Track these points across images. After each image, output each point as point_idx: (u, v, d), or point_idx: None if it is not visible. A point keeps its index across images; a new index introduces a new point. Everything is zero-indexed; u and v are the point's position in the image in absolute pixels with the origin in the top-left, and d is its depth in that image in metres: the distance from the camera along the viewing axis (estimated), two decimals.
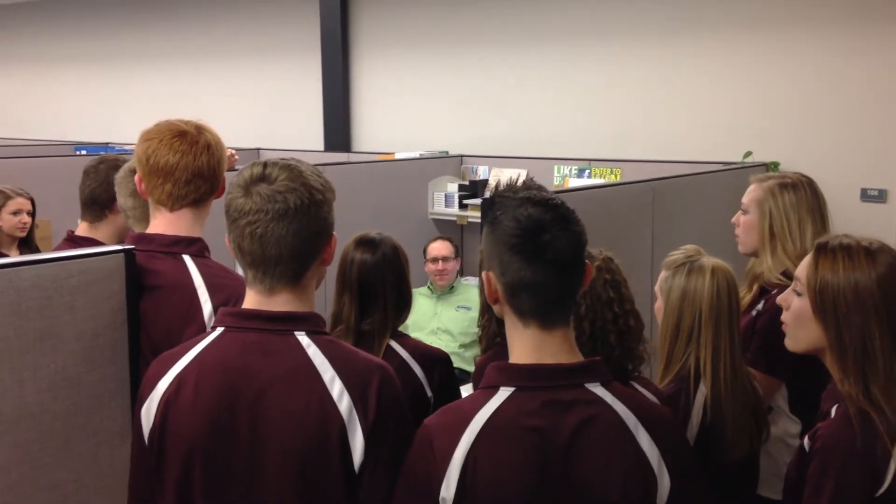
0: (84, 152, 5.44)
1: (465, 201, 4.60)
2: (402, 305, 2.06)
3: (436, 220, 4.71)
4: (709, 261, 1.78)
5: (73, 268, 1.55)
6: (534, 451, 1.17)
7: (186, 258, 1.69)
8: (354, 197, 3.84)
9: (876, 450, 1.33)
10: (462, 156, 5.09)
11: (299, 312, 1.32)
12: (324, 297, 2.18)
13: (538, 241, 1.19)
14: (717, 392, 1.72)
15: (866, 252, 1.41)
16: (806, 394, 1.84)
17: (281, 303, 1.31)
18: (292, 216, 1.28)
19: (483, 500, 1.16)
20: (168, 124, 1.73)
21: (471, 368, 3.67)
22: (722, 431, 1.71)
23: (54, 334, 1.52)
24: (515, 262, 1.20)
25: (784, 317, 1.55)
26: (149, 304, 1.65)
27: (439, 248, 4.06)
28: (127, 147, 5.70)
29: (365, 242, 2.04)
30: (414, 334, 2.20)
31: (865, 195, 3.94)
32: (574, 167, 4.53)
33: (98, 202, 2.27)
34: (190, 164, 1.68)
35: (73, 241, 2.27)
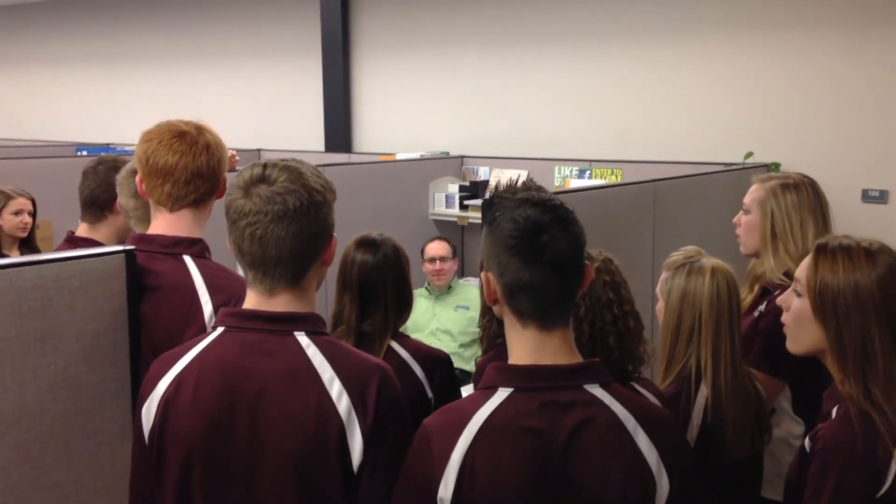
0: (85, 153, 5.44)
1: (465, 202, 4.60)
2: (403, 306, 2.06)
3: (436, 221, 4.71)
4: (709, 261, 1.78)
5: (74, 268, 1.55)
6: (532, 451, 1.17)
7: (187, 259, 1.69)
8: (355, 198, 3.84)
9: (877, 451, 1.33)
10: (463, 156, 5.10)
11: (299, 313, 1.32)
12: (324, 297, 2.18)
13: (536, 242, 1.19)
14: (717, 392, 1.72)
15: (866, 253, 1.41)
16: (809, 395, 1.84)
17: (281, 303, 1.31)
18: (292, 217, 1.28)
19: (480, 501, 1.16)
20: (168, 125, 1.73)
21: (471, 368, 3.67)
22: (723, 432, 1.71)
23: (55, 335, 1.52)
24: (514, 263, 1.20)
25: (784, 318, 1.55)
26: (149, 305, 1.65)
27: (436, 248, 4.06)
28: (128, 148, 5.71)
29: (366, 243, 2.04)
30: (413, 335, 2.19)
31: (866, 196, 3.94)
32: (575, 168, 4.53)
33: (97, 203, 2.27)
34: (189, 164, 1.68)
35: (72, 241, 2.28)
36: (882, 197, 3.91)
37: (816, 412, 1.53)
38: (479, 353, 1.97)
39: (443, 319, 3.98)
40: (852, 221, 3.41)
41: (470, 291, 4.14)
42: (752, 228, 2.13)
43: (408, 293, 2.07)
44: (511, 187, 1.27)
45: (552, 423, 1.18)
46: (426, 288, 4.06)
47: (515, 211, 1.21)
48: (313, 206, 1.30)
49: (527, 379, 1.22)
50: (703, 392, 1.74)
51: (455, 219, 4.63)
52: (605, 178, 4.38)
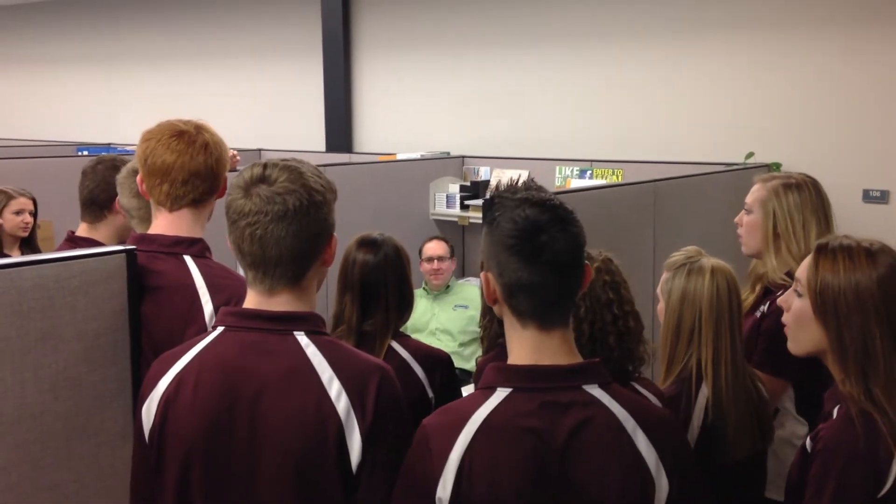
0: (86, 153, 5.44)
1: (466, 202, 4.60)
2: (404, 306, 2.06)
3: (437, 221, 4.71)
4: (709, 261, 1.78)
5: (75, 268, 1.55)
6: (530, 451, 1.17)
7: (187, 259, 1.69)
8: (356, 198, 3.84)
9: (878, 451, 1.33)
10: (463, 157, 5.10)
11: (299, 312, 1.32)
12: (325, 297, 2.18)
13: (535, 241, 1.19)
14: (718, 392, 1.72)
15: (867, 253, 1.41)
16: (813, 395, 1.84)
17: (281, 303, 1.32)
18: (291, 217, 1.28)
19: (479, 501, 1.16)
20: (168, 124, 1.73)
21: (471, 368, 3.67)
22: (723, 432, 1.70)
23: (56, 334, 1.52)
24: (513, 262, 1.20)
25: (785, 318, 1.55)
26: (150, 305, 1.65)
27: (434, 247, 4.06)
28: (128, 148, 5.71)
29: (367, 243, 2.04)
30: (413, 336, 2.19)
31: (867, 196, 3.93)
32: (575, 168, 4.53)
33: (97, 202, 2.27)
34: (187, 163, 1.68)
35: (73, 241, 2.28)
36: (883, 197, 3.91)
37: (819, 412, 1.53)
38: (480, 353, 1.97)
39: (442, 319, 3.98)
40: (853, 221, 3.40)
41: (468, 290, 4.14)
42: (754, 228, 2.12)
43: (409, 293, 2.07)
44: (511, 187, 1.27)
45: (551, 423, 1.18)
46: (424, 288, 4.06)
47: (515, 211, 1.21)
48: (313, 206, 1.30)
49: (526, 379, 1.22)
50: (704, 392, 1.73)
51: (456, 219, 4.63)
52: (605, 178, 4.37)
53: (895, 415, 1.34)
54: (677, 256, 1.83)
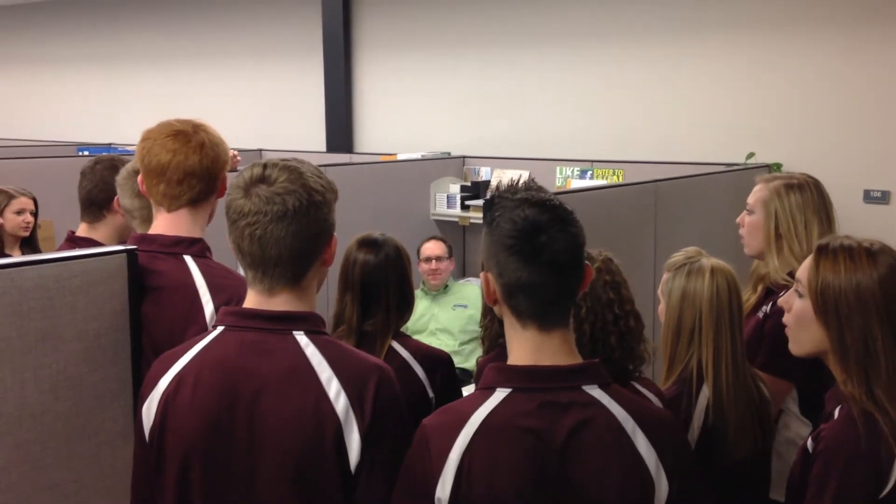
0: (86, 153, 5.44)
1: (467, 202, 4.60)
2: (405, 306, 2.06)
3: (438, 221, 4.71)
4: (708, 261, 1.78)
5: (76, 268, 1.55)
6: (530, 452, 1.17)
7: (188, 259, 1.69)
8: (356, 198, 3.84)
9: (880, 451, 1.32)
10: (464, 157, 5.10)
11: (298, 312, 1.32)
12: (326, 297, 2.18)
13: (534, 242, 1.19)
14: (718, 392, 1.72)
15: (867, 253, 1.41)
16: (816, 396, 1.83)
17: (281, 303, 1.32)
18: (291, 218, 1.28)
19: (478, 501, 1.16)
20: (166, 124, 1.73)
21: (471, 367, 3.67)
22: (724, 432, 1.70)
23: (56, 334, 1.52)
24: (512, 262, 1.20)
25: (786, 319, 1.55)
26: (151, 305, 1.65)
27: (432, 247, 4.07)
28: (129, 148, 5.71)
29: (367, 243, 2.04)
30: (413, 337, 2.19)
31: (868, 196, 3.93)
32: (576, 168, 4.53)
33: (95, 202, 2.27)
34: (181, 163, 1.68)
35: (73, 241, 2.28)
36: (884, 197, 3.91)
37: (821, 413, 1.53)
38: (480, 352, 1.97)
39: (441, 319, 3.98)
40: (854, 222, 3.40)
41: (467, 290, 4.14)
42: (756, 229, 2.11)
43: (409, 293, 2.07)
44: (511, 187, 1.27)
45: (551, 423, 1.18)
46: (422, 289, 4.06)
47: (514, 211, 1.21)
48: (313, 206, 1.30)
49: (526, 379, 1.21)
50: (705, 393, 1.73)
51: (456, 219, 4.63)
52: (606, 179, 4.37)
53: None
54: (677, 257, 1.83)
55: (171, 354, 1.36)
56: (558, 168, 4.59)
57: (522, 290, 1.20)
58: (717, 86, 4.35)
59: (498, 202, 1.25)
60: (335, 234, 1.38)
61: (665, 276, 1.83)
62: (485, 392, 1.23)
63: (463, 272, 4.86)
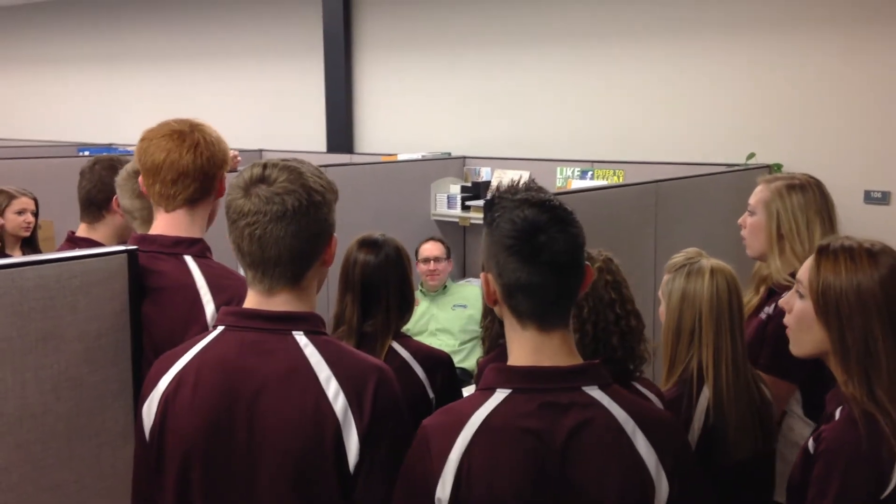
0: (87, 153, 5.44)
1: (467, 203, 4.60)
2: (405, 307, 2.06)
3: (438, 222, 4.71)
4: (708, 262, 1.78)
5: (76, 268, 1.55)
6: (530, 452, 1.17)
7: (188, 259, 1.69)
8: (357, 198, 3.85)
9: (881, 452, 1.32)
10: (465, 157, 5.10)
11: (298, 312, 1.32)
12: (326, 297, 2.18)
13: (534, 242, 1.19)
14: (719, 392, 1.72)
15: (868, 254, 1.41)
16: (818, 397, 1.83)
17: (280, 303, 1.32)
18: (290, 218, 1.28)
19: (478, 501, 1.16)
20: (164, 124, 1.73)
21: (471, 367, 3.67)
22: (724, 433, 1.70)
23: (57, 335, 1.52)
24: (512, 263, 1.20)
25: (786, 320, 1.55)
26: (151, 306, 1.65)
27: (431, 248, 4.07)
28: (129, 148, 5.71)
29: (368, 244, 2.04)
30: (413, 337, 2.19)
31: (869, 197, 3.93)
32: (577, 169, 4.53)
33: (94, 203, 2.27)
34: (175, 162, 1.68)
35: (72, 241, 2.28)
36: (884, 198, 3.91)
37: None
38: (480, 351, 1.97)
39: (441, 319, 3.98)
40: (854, 222, 3.40)
41: (467, 290, 4.15)
42: (758, 230, 2.11)
43: (410, 294, 2.07)
44: (512, 188, 1.27)
45: (551, 424, 1.18)
46: (421, 290, 4.06)
47: (514, 211, 1.21)
48: (312, 207, 1.30)
49: (525, 380, 1.21)
50: (706, 394, 1.73)
51: (457, 219, 4.64)
52: (606, 179, 4.37)
53: None
54: (677, 258, 1.83)
55: (171, 354, 1.36)
56: (559, 168, 4.59)
57: (522, 290, 1.20)
58: (718, 86, 4.35)
59: (498, 202, 1.25)
60: (335, 234, 1.38)
61: (665, 277, 1.83)
62: (485, 393, 1.23)
63: (463, 273, 4.86)
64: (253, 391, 1.26)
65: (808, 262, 1.48)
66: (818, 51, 4.04)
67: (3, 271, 1.46)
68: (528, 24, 5.03)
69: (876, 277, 1.39)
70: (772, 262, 2.08)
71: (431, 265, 4.03)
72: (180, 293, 1.64)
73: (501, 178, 4.73)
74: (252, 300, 1.34)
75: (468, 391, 2.19)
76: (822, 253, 1.45)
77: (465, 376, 3.53)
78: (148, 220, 1.88)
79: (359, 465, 1.24)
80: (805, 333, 1.48)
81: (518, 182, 1.29)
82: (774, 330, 1.97)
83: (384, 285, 2.00)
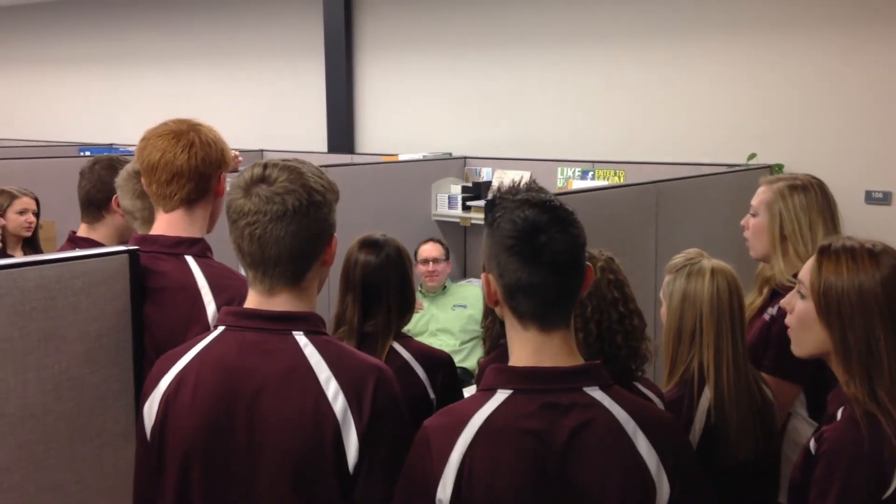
0: (88, 153, 5.45)
1: (468, 203, 4.60)
2: (406, 307, 2.06)
3: (439, 222, 4.71)
4: (709, 262, 1.78)
5: (78, 269, 1.55)
6: (531, 453, 1.17)
7: (189, 259, 1.69)
8: (358, 198, 3.85)
9: (883, 452, 1.32)
10: (465, 157, 5.10)
11: (298, 312, 1.32)
12: (327, 298, 2.18)
13: (534, 242, 1.19)
14: (720, 393, 1.72)
15: (870, 254, 1.41)
16: (821, 398, 1.83)
17: (280, 303, 1.32)
18: (290, 217, 1.28)
19: (479, 502, 1.16)
20: (163, 124, 1.74)
21: (472, 366, 3.67)
22: (725, 433, 1.70)
23: (58, 335, 1.52)
24: (512, 263, 1.20)
25: (788, 320, 1.55)
26: (153, 306, 1.65)
27: (430, 249, 4.07)
28: (130, 148, 5.71)
29: (369, 244, 2.04)
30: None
31: (870, 197, 3.93)
32: (577, 169, 4.53)
33: (94, 203, 2.27)
34: (170, 162, 1.68)
35: (73, 241, 2.28)
36: (885, 198, 3.90)
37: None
38: (481, 351, 1.97)
39: (441, 319, 3.98)
40: (855, 223, 3.39)
41: (466, 290, 4.15)
42: (761, 231, 2.10)
43: (410, 294, 2.07)
44: (513, 189, 1.27)
45: (551, 424, 1.18)
46: (420, 291, 4.06)
47: (515, 212, 1.21)
48: (313, 207, 1.30)
49: (526, 381, 1.21)
50: (707, 395, 1.73)
51: (458, 220, 4.64)
52: (607, 180, 4.37)
53: None
54: (678, 259, 1.83)
55: (172, 354, 1.37)
56: (559, 169, 4.59)
57: (523, 290, 1.20)
58: (718, 86, 4.35)
59: (499, 203, 1.25)
60: (336, 234, 1.38)
61: (666, 278, 1.83)
62: (486, 393, 1.23)
63: (464, 273, 4.86)
64: (253, 391, 1.26)
65: (810, 263, 1.48)
66: (819, 51, 4.04)
67: (4, 271, 1.46)
68: (528, 25, 5.03)
69: (877, 278, 1.39)
70: (775, 264, 2.07)
71: (430, 266, 4.03)
72: (181, 293, 1.64)
73: (502, 178, 4.73)
74: (252, 300, 1.34)
75: (469, 391, 2.19)
76: (824, 253, 1.45)
77: (466, 376, 3.53)
78: (149, 221, 1.89)
79: (358, 465, 1.24)
80: (806, 334, 1.48)
81: (519, 183, 1.29)
82: (778, 332, 1.97)
83: (385, 286, 2.00)
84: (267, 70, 6.38)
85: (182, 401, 1.29)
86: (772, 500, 1.83)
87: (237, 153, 3.22)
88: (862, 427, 1.34)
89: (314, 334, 1.31)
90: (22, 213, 3.34)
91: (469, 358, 3.84)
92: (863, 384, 1.37)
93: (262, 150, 5.87)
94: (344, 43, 5.75)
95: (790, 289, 1.96)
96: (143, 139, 1.73)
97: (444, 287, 4.11)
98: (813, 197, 2.07)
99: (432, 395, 1.99)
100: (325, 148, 5.92)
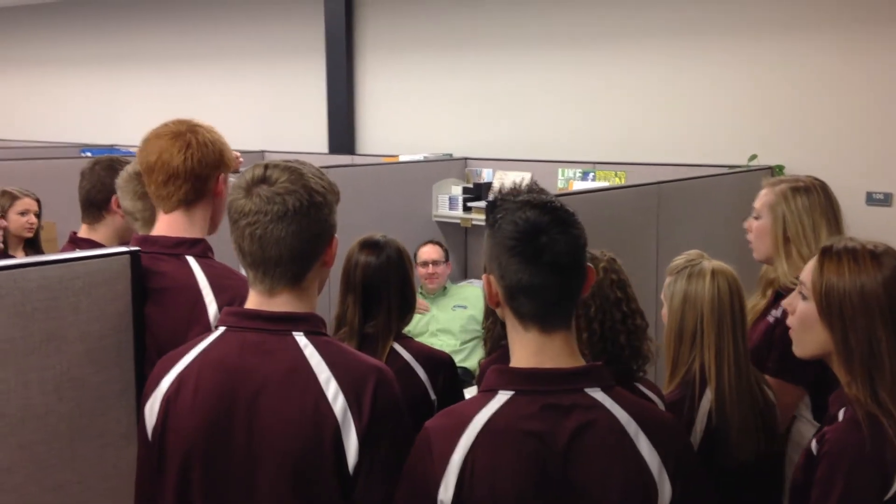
0: (89, 154, 5.45)
1: (469, 204, 4.60)
2: (406, 308, 2.06)
3: (440, 223, 4.72)
4: (709, 264, 1.78)
5: (79, 269, 1.55)
6: (532, 454, 1.17)
7: (190, 259, 1.69)
8: (358, 199, 3.85)
9: (885, 454, 1.32)
10: (466, 158, 5.10)
11: (298, 313, 1.33)
12: (328, 298, 2.18)
13: (535, 243, 1.19)
14: (721, 394, 1.72)
15: (871, 255, 1.41)
16: (824, 400, 1.83)
17: (281, 303, 1.32)
18: (291, 218, 1.28)
19: (480, 503, 1.16)
20: (164, 125, 1.74)
21: (473, 366, 3.68)
22: (727, 434, 1.70)
23: (60, 336, 1.53)
24: (514, 264, 1.20)
25: (789, 321, 1.55)
26: (154, 306, 1.65)
27: (429, 251, 4.07)
28: (132, 149, 5.72)
29: (369, 245, 2.05)
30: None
31: (871, 199, 3.93)
32: (578, 170, 4.53)
33: (94, 203, 2.27)
34: (166, 163, 1.68)
35: (74, 242, 2.28)
36: (886, 199, 3.90)
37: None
38: (481, 350, 1.98)
39: (441, 320, 3.98)
40: (856, 224, 3.39)
41: (466, 291, 4.15)
42: (764, 233, 2.10)
43: (411, 295, 2.07)
44: (514, 190, 1.27)
45: (553, 426, 1.18)
46: (420, 293, 4.06)
47: (516, 213, 1.21)
48: (313, 207, 1.30)
49: (528, 382, 1.21)
50: (708, 396, 1.73)
51: (458, 220, 4.64)
52: (608, 181, 4.37)
53: None
54: (679, 260, 1.84)
55: (173, 355, 1.37)
56: (560, 170, 4.59)
57: (524, 291, 1.20)
58: (719, 87, 4.35)
59: (500, 205, 1.25)
60: (336, 235, 1.38)
61: (667, 279, 1.83)
62: (487, 395, 1.23)
63: (465, 274, 4.86)
64: (253, 391, 1.27)
65: (812, 264, 1.48)
66: (820, 52, 4.04)
67: (6, 272, 1.46)
68: (529, 26, 5.03)
69: (879, 279, 1.39)
70: (779, 266, 2.07)
71: (430, 268, 4.03)
72: (183, 294, 1.64)
73: (503, 179, 4.73)
74: (253, 300, 1.34)
75: (470, 392, 2.19)
76: (826, 254, 1.45)
77: (467, 376, 3.53)
78: (150, 222, 1.89)
79: (358, 465, 1.24)
80: (808, 334, 1.48)
81: (520, 184, 1.30)
82: (782, 334, 1.96)
83: (385, 286, 2.01)
84: (268, 71, 6.39)
85: (183, 401, 1.29)
86: (775, 501, 1.83)
87: (238, 154, 3.23)
88: (864, 428, 1.34)
89: (314, 335, 1.31)
90: (23, 213, 3.34)
91: (470, 358, 3.84)
92: (864, 385, 1.37)
93: (262, 151, 5.87)
94: (345, 44, 5.76)
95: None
96: (144, 140, 1.74)
97: (445, 288, 4.12)
98: (816, 198, 2.06)
99: (433, 396, 1.99)
100: (325, 149, 5.92)
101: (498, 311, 1.27)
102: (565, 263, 1.20)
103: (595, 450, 1.18)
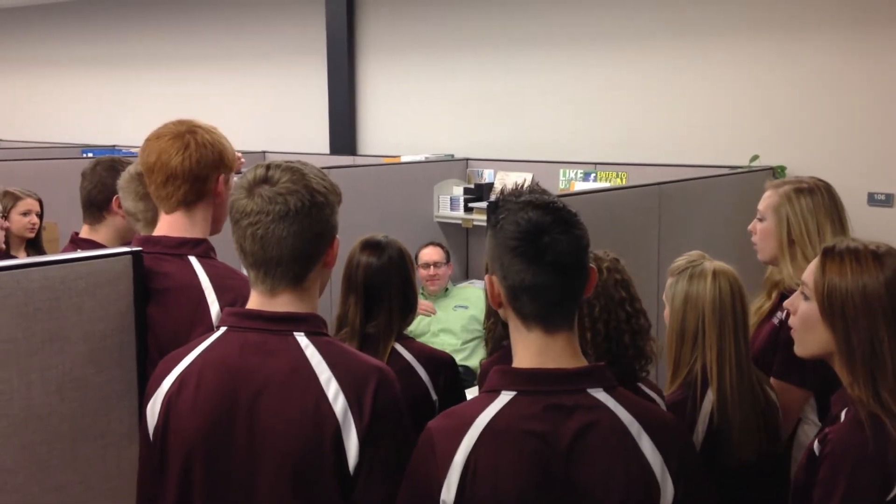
0: (91, 155, 5.46)
1: (470, 204, 4.60)
2: (408, 308, 2.06)
3: (441, 224, 4.72)
4: (711, 264, 1.78)
5: (81, 269, 1.55)
6: (535, 455, 1.17)
7: (192, 259, 1.69)
8: (360, 200, 3.85)
9: (888, 454, 1.32)
10: (468, 159, 5.10)
11: (299, 313, 1.33)
12: (329, 299, 2.18)
13: (538, 243, 1.19)
14: (722, 394, 1.72)
15: (874, 255, 1.41)
16: (828, 401, 1.82)
17: (282, 303, 1.32)
18: (292, 218, 1.29)
19: (483, 503, 1.16)
20: (165, 125, 1.74)
21: (474, 365, 3.68)
22: (728, 435, 1.70)
23: (62, 336, 1.53)
24: (516, 264, 1.20)
25: (792, 321, 1.55)
26: (156, 307, 1.65)
27: (430, 253, 4.07)
28: (133, 150, 5.72)
29: (371, 245, 2.05)
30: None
31: (872, 199, 3.92)
32: (580, 171, 4.53)
33: (95, 204, 2.27)
34: (165, 164, 1.68)
35: (75, 243, 2.29)
36: (888, 200, 3.90)
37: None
38: (483, 350, 1.98)
39: (442, 320, 3.98)
40: (858, 224, 3.38)
41: (467, 292, 4.15)
42: (769, 235, 2.10)
43: (412, 296, 2.08)
44: (516, 191, 1.28)
45: (555, 426, 1.18)
46: (422, 294, 4.06)
47: (518, 214, 1.22)
48: (315, 207, 1.31)
49: (530, 382, 1.22)
50: (709, 397, 1.73)
51: (459, 221, 4.64)
52: (610, 181, 4.37)
53: None
54: (680, 261, 1.84)
55: (175, 355, 1.37)
56: (562, 170, 4.59)
57: (526, 291, 1.20)
58: (720, 88, 4.35)
59: (502, 205, 1.25)
60: (338, 236, 1.38)
61: (668, 280, 1.83)
62: (489, 395, 1.23)
63: (466, 274, 4.86)
64: (253, 392, 1.27)
65: (814, 264, 1.48)
66: (820, 52, 4.04)
67: (8, 272, 1.46)
68: (530, 27, 5.03)
69: (881, 279, 1.39)
70: (784, 267, 2.06)
71: (431, 270, 4.03)
72: (185, 294, 1.64)
73: (504, 179, 4.73)
74: (254, 301, 1.34)
75: (471, 392, 2.19)
76: (828, 254, 1.45)
77: (469, 375, 3.53)
78: (152, 222, 1.89)
79: (358, 465, 1.24)
80: (810, 334, 1.48)
81: (522, 185, 1.30)
82: (787, 336, 1.96)
83: (387, 287, 2.01)
84: (269, 72, 6.39)
85: (184, 401, 1.30)
86: (778, 501, 1.83)
87: (239, 155, 3.23)
88: (866, 428, 1.34)
89: (315, 335, 1.32)
90: (25, 214, 3.35)
91: (472, 357, 3.85)
92: (867, 385, 1.37)
93: (264, 152, 5.88)
94: (346, 45, 5.76)
95: None
96: (146, 140, 1.74)
97: (446, 289, 4.12)
98: (819, 200, 2.06)
99: (434, 397, 1.99)
100: (327, 149, 5.92)
101: (500, 311, 1.27)
102: (568, 264, 1.20)
103: (598, 450, 1.18)
